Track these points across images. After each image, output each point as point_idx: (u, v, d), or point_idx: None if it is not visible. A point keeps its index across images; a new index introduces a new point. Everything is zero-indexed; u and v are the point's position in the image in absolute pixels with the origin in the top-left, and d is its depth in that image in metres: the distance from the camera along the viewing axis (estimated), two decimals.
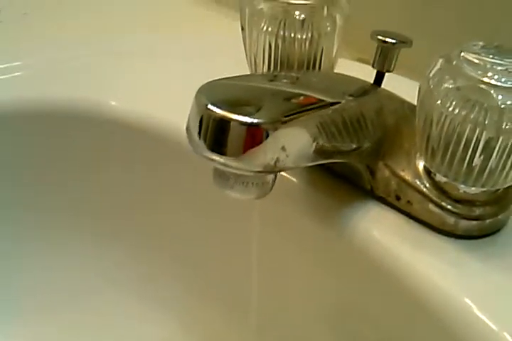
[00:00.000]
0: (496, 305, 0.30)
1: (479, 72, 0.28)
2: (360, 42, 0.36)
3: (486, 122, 0.28)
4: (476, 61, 0.29)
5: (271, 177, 0.29)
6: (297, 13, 0.33)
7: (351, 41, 0.37)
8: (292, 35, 0.33)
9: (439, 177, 0.32)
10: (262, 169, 0.27)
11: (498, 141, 0.28)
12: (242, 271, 0.37)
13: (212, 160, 0.27)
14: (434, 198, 0.32)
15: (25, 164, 0.44)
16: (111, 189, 0.44)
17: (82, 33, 0.48)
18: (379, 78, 0.34)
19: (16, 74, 0.44)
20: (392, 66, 0.34)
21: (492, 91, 0.28)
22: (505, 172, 0.30)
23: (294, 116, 0.28)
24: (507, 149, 0.29)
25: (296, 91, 0.31)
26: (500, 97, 0.28)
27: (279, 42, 0.33)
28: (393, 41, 0.33)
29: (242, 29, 0.35)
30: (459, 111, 0.28)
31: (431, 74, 0.29)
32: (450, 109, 0.29)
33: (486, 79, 0.28)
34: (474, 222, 0.32)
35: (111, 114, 0.41)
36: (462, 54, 0.29)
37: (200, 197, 0.39)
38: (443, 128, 0.29)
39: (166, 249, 0.44)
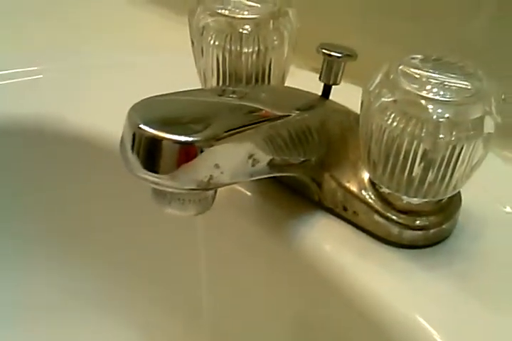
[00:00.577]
0: (440, 313, 0.31)
1: (416, 86, 0.29)
2: (315, 51, 0.36)
3: (423, 135, 0.29)
4: (414, 74, 0.29)
5: (210, 193, 0.30)
6: (243, 27, 0.33)
7: (307, 51, 0.37)
8: (238, 48, 0.34)
9: (384, 189, 0.33)
10: (195, 186, 0.28)
11: (434, 152, 0.29)
12: (192, 280, 0.38)
13: (145, 179, 0.27)
14: (379, 209, 0.33)
15: None
16: (66, 203, 0.44)
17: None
18: (326, 91, 0.35)
19: None
20: (339, 79, 0.34)
21: (428, 105, 0.28)
22: (445, 183, 0.31)
23: (236, 130, 0.28)
24: (444, 161, 0.29)
25: (244, 105, 0.32)
26: (435, 111, 0.28)
27: (227, 55, 0.34)
28: (338, 55, 0.33)
29: (192, 44, 0.36)
30: (396, 124, 0.29)
31: (371, 88, 0.30)
32: (389, 121, 0.29)
33: (422, 93, 0.28)
34: (419, 232, 0.33)
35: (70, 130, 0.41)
36: (400, 67, 0.30)
37: (149, 210, 0.39)
38: (382, 140, 0.30)
39: (122, 262, 0.45)
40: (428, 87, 0.29)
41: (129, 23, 0.53)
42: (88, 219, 0.45)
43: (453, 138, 0.29)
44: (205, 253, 0.35)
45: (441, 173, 0.30)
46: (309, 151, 0.33)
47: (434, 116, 0.28)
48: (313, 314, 0.36)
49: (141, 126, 0.27)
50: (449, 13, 0.40)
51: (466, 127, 0.29)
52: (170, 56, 0.46)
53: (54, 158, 0.43)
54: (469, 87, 0.29)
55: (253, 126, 0.30)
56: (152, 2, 0.53)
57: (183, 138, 0.27)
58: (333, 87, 0.35)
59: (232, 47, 0.34)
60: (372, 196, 0.33)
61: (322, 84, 0.35)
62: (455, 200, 0.34)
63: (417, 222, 0.33)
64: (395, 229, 0.33)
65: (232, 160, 0.28)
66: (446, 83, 0.29)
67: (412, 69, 0.30)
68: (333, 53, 0.33)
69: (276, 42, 0.34)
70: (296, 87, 0.36)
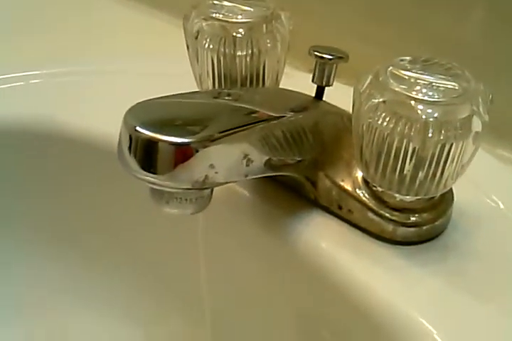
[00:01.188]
0: (434, 308, 0.31)
1: (404, 87, 0.29)
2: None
3: (412, 134, 0.29)
4: (403, 76, 0.30)
5: (206, 192, 0.30)
6: (236, 30, 0.34)
7: (302, 52, 0.38)
8: (232, 52, 0.34)
9: (377, 187, 0.33)
10: (190, 186, 0.28)
11: (424, 151, 0.30)
12: (192, 278, 0.39)
13: (143, 179, 0.28)
14: (373, 207, 0.34)
15: None
16: (67, 201, 0.45)
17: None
18: (319, 92, 0.36)
19: None
20: (331, 80, 0.35)
21: (417, 106, 0.29)
22: (436, 181, 0.31)
23: (231, 131, 0.29)
24: (434, 159, 0.30)
25: (238, 106, 0.32)
26: (424, 111, 0.29)
27: (221, 58, 0.35)
28: (330, 57, 0.34)
29: (188, 48, 0.36)
30: (387, 123, 0.30)
31: (361, 90, 0.31)
32: (379, 121, 0.30)
33: (411, 94, 0.29)
34: (412, 229, 0.34)
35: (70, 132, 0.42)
36: (390, 69, 0.30)
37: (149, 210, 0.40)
38: (374, 139, 0.30)
39: (119, 254, 0.46)
40: (417, 88, 0.29)
41: (128, 27, 0.53)
42: (88, 218, 0.46)
43: (442, 137, 0.29)
44: (203, 251, 0.36)
45: (431, 171, 0.31)
46: (304, 151, 0.34)
47: (423, 116, 0.29)
48: (310, 309, 0.36)
49: (138, 128, 0.28)
50: (439, 15, 0.41)
51: (454, 126, 0.29)
52: (168, 60, 0.47)
53: (56, 158, 0.44)
54: (457, 88, 0.30)
55: (248, 126, 0.30)
56: (152, 6, 0.54)
57: (178, 140, 0.27)
58: (327, 88, 0.36)
59: (227, 51, 0.34)
60: (366, 194, 0.34)
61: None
62: (447, 197, 0.35)
63: (410, 219, 0.33)
64: (389, 226, 0.34)
65: (226, 161, 0.29)
66: (434, 84, 0.30)
67: (401, 71, 0.30)
68: (324, 55, 0.34)
69: (269, 45, 0.35)
70: (293, 88, 0.37)
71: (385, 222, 0.34)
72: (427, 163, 0.30)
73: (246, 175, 0.31)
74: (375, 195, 0.34)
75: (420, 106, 0.29)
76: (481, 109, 0.29)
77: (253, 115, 0.32)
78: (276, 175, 0.36)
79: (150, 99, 0.30)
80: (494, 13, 0.40)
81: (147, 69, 0.46)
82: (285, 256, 0.36)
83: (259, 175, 0.32)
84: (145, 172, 0.28)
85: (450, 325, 0.31)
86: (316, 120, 0.34)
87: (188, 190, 0.28)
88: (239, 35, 0.34)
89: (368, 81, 0.30)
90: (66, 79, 0.47)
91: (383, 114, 0.30)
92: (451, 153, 0.30)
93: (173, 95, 0.32)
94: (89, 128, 0.42)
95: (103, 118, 0.42)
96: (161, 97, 0.31)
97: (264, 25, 0.35)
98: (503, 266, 0.34)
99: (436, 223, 0.34)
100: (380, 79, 0.30)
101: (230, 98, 0.33)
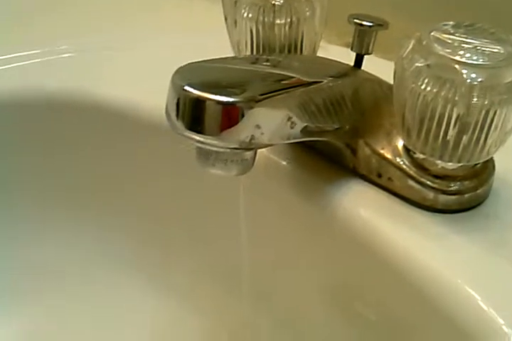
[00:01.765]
0: (477, 276, 0.31)
1: (449, 51, 0.29)
2: (347, 26, 0.37)
3: (456, 98, 0.29)
4: (446, 40, 0.30)
5: (250, 154, 0.31)
6: None
7: (338, 26, 0.38)
8: (271, 20, 0.34)
9: (418, 154, 0.33)
10: (237, 146, 0.29)
11: (468, 116, 0.29)
12: (232, 244, 0.39)
13: (191, 138, 0.29)
14: (414, 174, 0.34)
15: (23, 150, 0.46)
16: (103, 170, 0.46)
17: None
18: (358, 60, 0.35)
19: (12, 65, 0.46)
20: (371, 48, 0.35)
21: (461, 69, 0.29)
22: (479, 147, 0.31)
23: (271, 94, 0.29)
24: (478, 124, 0.30)
25: (277, 72, 0.32)
26: (469, 75, 0.29)
27: (260, 27, 0.35)
28: (369, 24, 0.34)
29: (226, 19, 0.36)
30: (430, 88, 0.29)
31: (404, 55, 0.30)
32: (422, 86, 0.30)
33: (455, 57, 0.29)
34: (453, 197, 0.34)
35: (103, 101, 0.43)
36: (432, 33, 0.30)
37: (187, 176, 0.40)
38: (416, 105, 0.30)
39: (157, 225, 0.46)
40: (461, 52, 0.29)
41: (158, 3, 0.53)
42: (125, 180, 0.46)
43: (486, 102, 0.29)
44: (244, 218, 0.36)
45: (475, 137, 0.30)
46: (343, 118, 0.34)
47: (468, 80, 0.29)
48: (346, 278, 0.37)
49: (186, 87, 0.28)
50: None
51: (499, 91, 0.29)
52: (199, 36, 0.47)
53: (88, 126, 0.45)
54: (502, 51, 0.29)
55: (287, 90, 0.30)
56: None
57: (225, 99, 0.28)
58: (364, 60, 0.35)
59: (265, 19, 0.34)
60: (407, 162, 0.34)
61: (353, 58, 0.35)
62: (489, 166, 0.34)
63: (452, 187, 0.33)
64: (430, 194, 0.33)
65: (272, 122, 0.29)
66: (478, 48, 0.29)
67: (445, 35, 0.30)
68: (364, 23, 0.34)
69: (308, 14, 0.35)
70: None
71: (425, 190, 0.33)
72: (471, 128, 0.30)
73: (288, 138, 0.31)
74: (415, 163, 0.34)
75: (465, 70, 0.29)
76: None
77: (292, 80, 0.32)
78: (315, 142, 0.36)
79: (193, 62, 0.30)
80: None
81: (181, 41, 0.46)
82: (324, 223, 0.36)
83: (301, 139, 0.32)
84: (193, 132, 0.28)
85: (493, 292, 0.30)
86: (355, 87, 0.34)
87: (234, 150, 0.29)
88: (278, 3, 0.34)
89: (411, 46, 0.30)
90: (95, 53, 0.47)
91: (427, 79, 0.29)
92: (495, 119, 0.30)
93: (211, 60, 0.32)
94: (125, 97, 0.42)
95: (137, 88, 0.43)
96: (202, 61, 0.31)
97: None
98: None
99: (478, 191, 0.34)
100: (424, 43, 0.30)
101: (268, 64, 0.33)
